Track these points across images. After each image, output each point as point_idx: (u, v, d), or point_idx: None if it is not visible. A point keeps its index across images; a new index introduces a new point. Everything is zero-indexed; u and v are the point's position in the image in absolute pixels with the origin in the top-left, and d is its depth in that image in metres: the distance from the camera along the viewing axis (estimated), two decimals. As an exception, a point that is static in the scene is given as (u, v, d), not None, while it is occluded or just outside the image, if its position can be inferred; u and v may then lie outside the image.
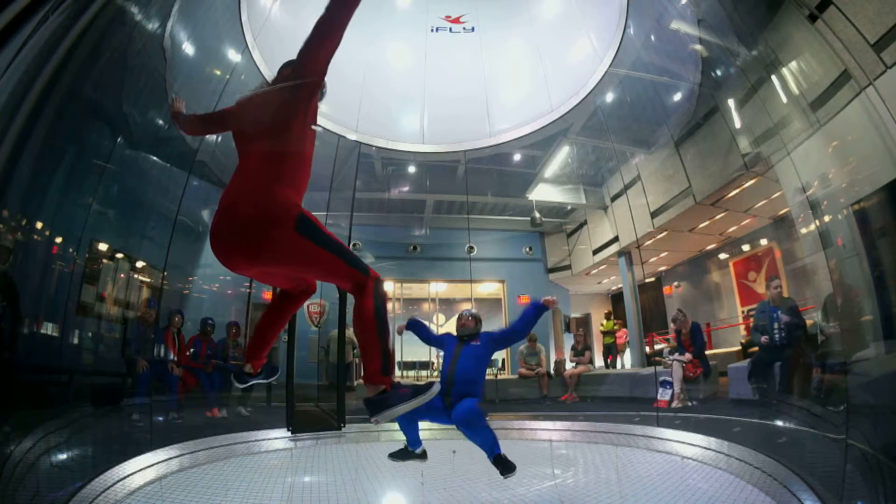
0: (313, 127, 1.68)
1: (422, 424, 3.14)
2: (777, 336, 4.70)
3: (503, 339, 3.29)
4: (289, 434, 4.78)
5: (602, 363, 9.46)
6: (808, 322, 4.91)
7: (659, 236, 8.73)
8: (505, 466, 2.75)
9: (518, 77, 7.29)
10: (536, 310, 3.15)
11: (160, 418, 4.86)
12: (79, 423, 3.84)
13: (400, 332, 3.63)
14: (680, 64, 6.33)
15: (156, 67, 4.45)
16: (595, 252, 10.36)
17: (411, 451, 3.13)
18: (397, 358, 10.05)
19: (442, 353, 3.47)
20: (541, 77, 6.95)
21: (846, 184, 3.59)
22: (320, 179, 7.33)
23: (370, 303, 1.60)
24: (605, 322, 9.75)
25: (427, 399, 1.65)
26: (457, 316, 3.41)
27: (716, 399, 5.77)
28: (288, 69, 1.69)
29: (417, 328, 3.54)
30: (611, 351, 9.28)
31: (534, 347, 7.94)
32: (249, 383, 1.98)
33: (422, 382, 1.74)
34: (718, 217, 7.82)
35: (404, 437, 3.12)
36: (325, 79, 1.86)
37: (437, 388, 1.71)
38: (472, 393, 2.96)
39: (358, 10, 1.55)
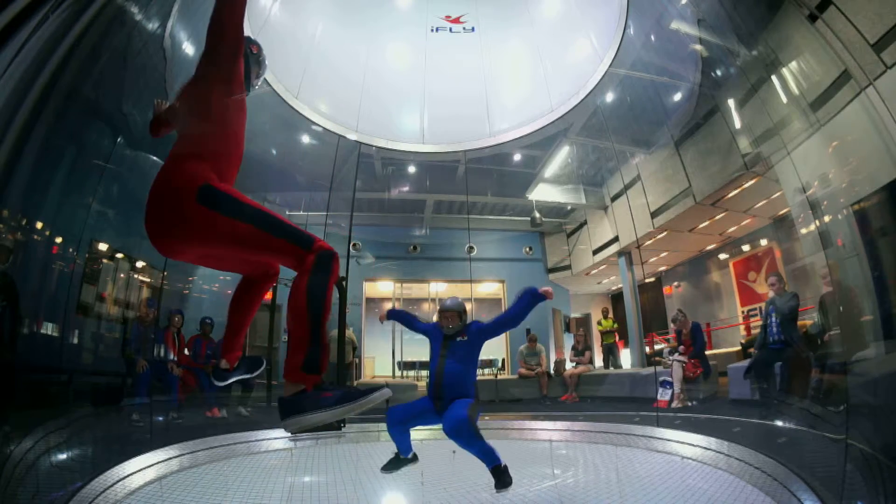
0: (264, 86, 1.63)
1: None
2: (774, 330, 4.67)
3: (495, 328, 3.04)
4: (289, 434, 4.78)
5: (602, 363, 9.43)
6: (808, 322, 4.91)
7: (659, 236, 8.73)
8: (500, 480, 2.60)
9: (518, 77, 7.30)
10: (533, 297, 2.94)
11: (160, 418, 4.86)
12: (79, 423, 3.84)
13: (381, 320, 3.43)
14: (680, 64, 6.33)
15: (156, 67, 4.45)
16: (595, 252, 10.36)
17: (403, 459, 3.00)
18: (398, 357, 10.03)
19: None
20: (541, 77, 6.96)
21: (846, 184, 3.59)
22: (320, 179, 7.35)
23: (304, 282, 1.36)
24: (603, 321, 9.64)
25: (359, 409, 1.33)
26: (438, 309, 3.13)
27: (716, 399, 5.77)
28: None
29: (401, 318, 3.31)
30: (611, 351, 9.23)
31: (534, 347, 7.94)
32: (229, 380, 1.79)
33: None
34: (718, 217, 7.82)
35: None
36: (265, 52, 1.81)
37: (382, 395, 1.37)
38: (464, 393, 2.84)
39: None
